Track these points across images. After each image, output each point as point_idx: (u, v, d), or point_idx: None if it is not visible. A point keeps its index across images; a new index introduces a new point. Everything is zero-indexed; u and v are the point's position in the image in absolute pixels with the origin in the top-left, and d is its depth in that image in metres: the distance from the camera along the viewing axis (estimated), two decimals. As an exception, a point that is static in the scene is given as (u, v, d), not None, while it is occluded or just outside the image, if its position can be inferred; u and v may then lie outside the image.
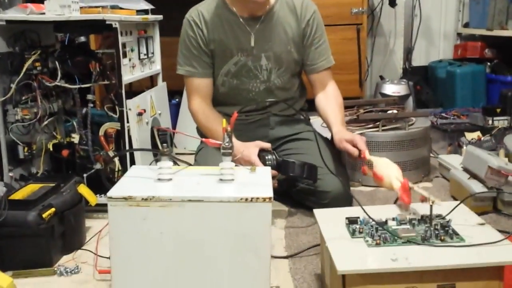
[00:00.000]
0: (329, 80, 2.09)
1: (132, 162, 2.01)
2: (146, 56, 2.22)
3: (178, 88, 2.81)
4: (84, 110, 2.10)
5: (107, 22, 1.88)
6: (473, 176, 2.04)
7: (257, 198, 1.16)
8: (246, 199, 1.16)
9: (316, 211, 1.42)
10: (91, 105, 2.10)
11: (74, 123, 2.11)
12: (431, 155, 2.57)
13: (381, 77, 3.63)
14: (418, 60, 4.05)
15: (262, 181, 1.28)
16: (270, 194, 1.17)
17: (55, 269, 1.58)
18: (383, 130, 2.34)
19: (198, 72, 2.00)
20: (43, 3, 2.01)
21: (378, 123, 2.36)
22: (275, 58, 2.00)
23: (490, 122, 2.96)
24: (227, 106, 2.06)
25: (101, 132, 2.06)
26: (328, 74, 2.09)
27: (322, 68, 2.07)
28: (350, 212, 1.38)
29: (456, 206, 1.34)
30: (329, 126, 2.02)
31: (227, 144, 1.29)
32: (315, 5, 2.06)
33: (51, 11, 1.91)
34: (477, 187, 1.94)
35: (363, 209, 1.31)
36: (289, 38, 2.00)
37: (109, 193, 1.18)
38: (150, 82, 2.45)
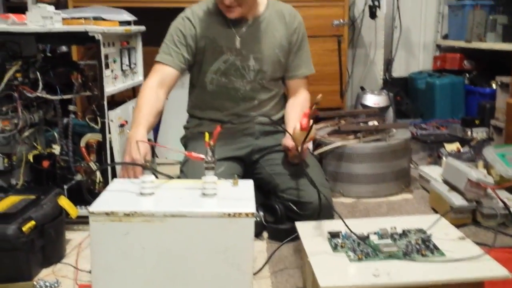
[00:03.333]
0: (303, 88, 2.13)
1: (114, 174, 2.00)
2: (128, 67, 2.22)
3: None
4: (65, 121, 2.09)
5: (89, 34, 1.87)
6: (453, 188, 2.06)
7: (240, 214, 1.17)
8: (229, 214, 1.17)
9: (298, 224, 1.43)
10: (73, 115, 2.09)
11: (55, 134, 2.09)
12: (411, 166, 2.60)
13: (362, 88, 3.67)
14: (398, 71, 4.10)
15: (245, 195, 1.29)
16: (253, 209, 1.18)
17: (35, 283, 1.55)
18: (364, 141, 2.37)
19: (171, 61, 1.98)
20: (24, 13, 2.00)
21: (359, 134, 2.39)
22: (263, 60, 2.04)
23: (469, 133, 3.01)
24: (213, 110, 2.08)
25: (83, 143, 2.05)
26: (304, 82, 2.14)
27: (302, 76, 2.12)
28: (332, 225, 1.39)
29: (437, 221, 1.36)
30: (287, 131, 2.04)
31: (210, 158, 1.29)
32: (300, 15, 2.12)
33: (33, 22, 1.89)
34: (456, 199, 1.97)
35: (344, 223, 1.33)
36: (277, 42, 2.04)
37: (91, 208, 1.17)
38: (132, 92, 2.45)
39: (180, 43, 2.00)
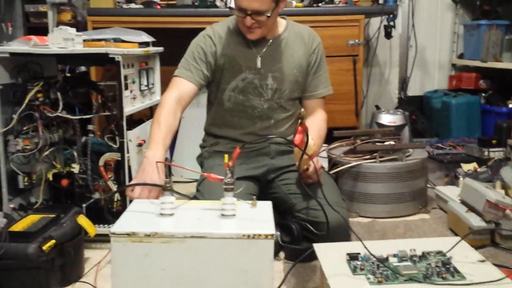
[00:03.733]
0: (320, 108, 2.14)
1: (132, 193, 2.01)
2: (146, 87, 2.25)
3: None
4: (83, 139, 2.12)
5: (110, 56, 1.90)
6: (471, 209, 2.05)
7: (259, 235, 1.17)
8: (248, 236, 1.17)
9: (316, 246, 1.43)
10: (91, 134, 2.12)
11: (74, 153, 2.11)
12: (428, 186, 2.59)
13: (377, 107, 3.67)
14: (413, 90, 4.10)
15: (264, 216, 1.29)
16: (272, 230, 1.18)
17: (54, 302, 1.57)
18: (380, 161, 2.36)
19: (191, 77, 2.01)
20: (46, 34, 2.04)
21: (375, 154, 2.38)
22: (281, 79, 2.06)
23: (486, 153, 2.99)
24: (229, 128, 2.09)
25: (101, 162, 2.07)
26: (322, 103, 2.15)
27: (320, 96, 2.13)
28: (350, 247, 1.39)
29: (457, 243, 1.35)
30: None
31: (229, 180, 1.30)
32: (319, 37, 2.15)
33: (55, 44, 1.93)
34: (475, 221, 1.96)
35: (363, 245, 1.32)
36: (296, 62, 2.07)
37: (112, 229, 1.19)
38: (149, 111, 2.47)
39: (200, 60, 2.02)
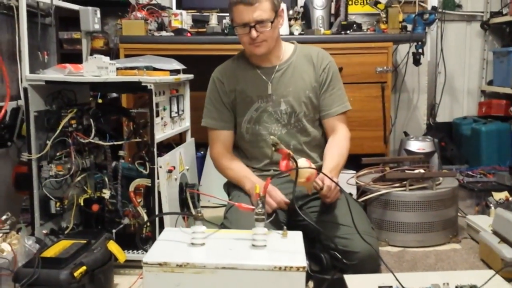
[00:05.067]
0: (340, 127, 2.12)
1: (161, 219, 2.03)
2: (177, 114, 2.28)
3: (203, 140, 2.86)
4: (114, 164, 2.15)
5: (142, 84, 1.94)
6: (504, 240, 2.01)
7: (291, 267, 1.16)
8: (280, 268, 1.17)
9: (347, 277, 1.42)
10: (122, 160, 2.15)
11: (105, 178, 2.14)
12: (459, 215, 2.55)
13: (405, 133, 3.64)
14: (442, 116, 4.06)
15: (295, 248, 1.29)
16: (304, 263, 1.18)
17: (84, 328, 1.58)
18: (410, 189, 2.34)
19: (218, 124, 2.10)
20: (79, 61, 2.09)
21: (405, 182, 2.36)
22: (294, 103, 2.08)
23: (517, 182, 2.93)
24: (253, 161, 2.10)
25: (131, 188, 2.09)
26: (341, 121, 2.13)
27: (336, 113, 2.11)
28: (381, 279, 1.37)
29: (490, 277, 1.33)
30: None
31: (260, 210, 1.30)
32: (331, 56, 2.15)
33: (89, 72, 1.97)
34: (508, 253, 1.91)
35: (396, 278, 1.31)
36: (307, 84, 2.08)
37: (144, 259, 1.20)
38: (179, 137, 2.50)
39: (219, 104, 2.08)
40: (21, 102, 2.29)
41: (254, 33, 1.95)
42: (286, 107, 2.08)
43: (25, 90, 2.00)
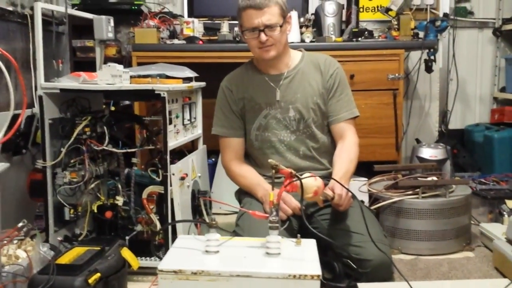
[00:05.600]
0: (348, 132, 2.13)
1: (173, 226, 2.03)
2: (189, 121, 2.29)
3: (214, 147, 2.87)
4: (126, 171, 2.16)
5: (156, 92, 1.95)
6: (518, 248, 2.00)
7: (305, 275, 1.17)
8: (294, 276, 1.17)
9: (361, 286, 1.41)
10: (135, 167, 2.16)
11: (119, 185, 2.15)
12: (472, 222, 2.53)
13: (417, 140, 3.63)
14: (454, 123, 4.04)
15: (309, 256, 1.29)
16: (319, 271, 1.18)
17: (98, 335, 1.59)
18: (423, 197, 2.33)
19: (228, 133, 2.15)
20: (92, 69, 2.11)
21: (417, 190, 2.35)
22: (302, 109, 2.10)
23: (531, 189, 2.91)
24: (264, 169, 2.11)
25: (144, 195, 2.10)
26: (349, 126, 2.14)
27: (343, 119, 2.13)
28: (396, 287, 1.37)
29: (507, 286, 1.32)
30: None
31: (274, 218, 1.30)
32: (338, 63, 2.18)
33: (103, 80, 1.99)
34: (522, 261, 1.90)
35: (410, 285, 1.30)
36: (315, 90, 2.11)
37: (160, 266, 1.20)
38: (191, 144, 2.51)
39: (229, 112, 2.14)
40: (36, 109, 2.32)
41: (263, 36, 1.97)
42: (294, 113, 2.10)
43: (40, 98, 2.02)
